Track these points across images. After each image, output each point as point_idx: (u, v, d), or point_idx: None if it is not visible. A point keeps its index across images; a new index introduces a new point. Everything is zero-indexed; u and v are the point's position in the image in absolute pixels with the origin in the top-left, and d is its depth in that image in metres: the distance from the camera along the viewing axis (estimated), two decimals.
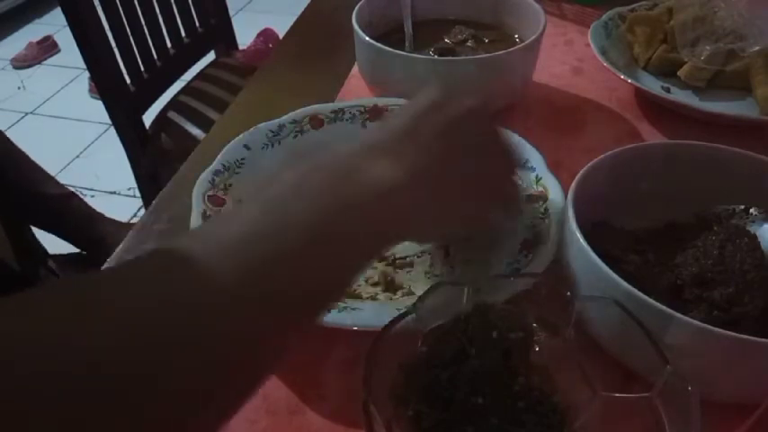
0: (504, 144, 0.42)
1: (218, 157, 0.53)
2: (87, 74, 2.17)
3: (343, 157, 0.34)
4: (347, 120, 0.59)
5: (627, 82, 0.64)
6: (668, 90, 0.68)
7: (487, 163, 0.40)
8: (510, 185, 0.43)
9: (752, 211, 0.47)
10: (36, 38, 2.61)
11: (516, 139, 0.55)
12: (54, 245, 1.42)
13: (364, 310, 0.44)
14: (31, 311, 0.23)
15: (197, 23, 1.35)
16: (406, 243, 0.50)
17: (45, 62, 2.59)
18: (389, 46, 0.61)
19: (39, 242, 1.39)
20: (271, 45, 1.89)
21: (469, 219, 0.41)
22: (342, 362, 0.43)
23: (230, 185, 0.52)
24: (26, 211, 1.36)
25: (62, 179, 1.51)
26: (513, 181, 0.44)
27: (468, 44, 0.69)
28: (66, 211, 1.39)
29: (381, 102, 0.60)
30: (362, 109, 0.60)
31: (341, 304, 0.45)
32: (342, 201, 0.32)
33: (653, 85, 0.68)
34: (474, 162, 0.38)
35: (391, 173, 0.33)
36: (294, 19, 0.89)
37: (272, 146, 0.56)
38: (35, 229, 1.39)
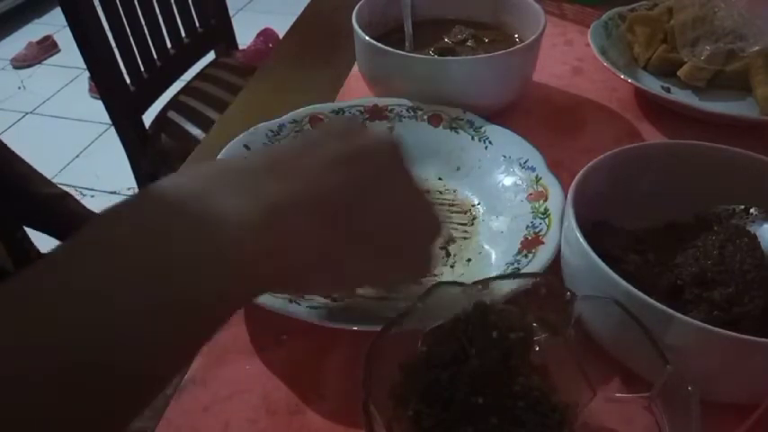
0: (424, 198, 0.32)
1: (218, 157, 0.53)
2: (87, 74, 2.17)
3: (194, 193, 0.27)
4: None
5: (627, 82, 0.64)
6: (668, 90, 0.68)
7: (393, 216, 0.30)
8: (420, 255, 0.33)
9: (752, 211, 0.47)
10: (36, 38, 2.62)
11: (516, 139, 0.55)
12: (48, 246, 1.42)
13: (364, 311, 0.44)
14: None
15: (197, 23, 1.35)
16: None
17: (45, 62, 2.59)
18: (389, 46, 0.61)
19: (32, 242, 1.39)
20: (271, 45, 1.89)
21: (355, 278, 0.34)
22: (342, 362, 0.43)
23: None
24: (19, 212, 1.35)
25: (62, 179, 1.51)
26: (426, 249, 0.33)
27: (468, 44, 0.69)
28: (60, 211, 1.39)
29: (381, 102, 0.60)
30: (362, 109, 0.60)
31: (341, 304, 0.45)
32: (180, 257, 0.25)
33: (653, 85, 0.68)
34: (373, 210, 0.30)
35: (246, 215, 0.26)
36: (294, 19, 0.89)
37: None
38: (28, 230, 1.39)
